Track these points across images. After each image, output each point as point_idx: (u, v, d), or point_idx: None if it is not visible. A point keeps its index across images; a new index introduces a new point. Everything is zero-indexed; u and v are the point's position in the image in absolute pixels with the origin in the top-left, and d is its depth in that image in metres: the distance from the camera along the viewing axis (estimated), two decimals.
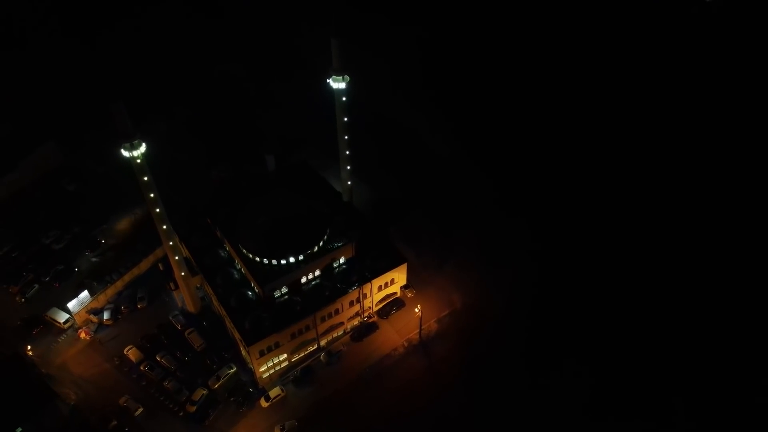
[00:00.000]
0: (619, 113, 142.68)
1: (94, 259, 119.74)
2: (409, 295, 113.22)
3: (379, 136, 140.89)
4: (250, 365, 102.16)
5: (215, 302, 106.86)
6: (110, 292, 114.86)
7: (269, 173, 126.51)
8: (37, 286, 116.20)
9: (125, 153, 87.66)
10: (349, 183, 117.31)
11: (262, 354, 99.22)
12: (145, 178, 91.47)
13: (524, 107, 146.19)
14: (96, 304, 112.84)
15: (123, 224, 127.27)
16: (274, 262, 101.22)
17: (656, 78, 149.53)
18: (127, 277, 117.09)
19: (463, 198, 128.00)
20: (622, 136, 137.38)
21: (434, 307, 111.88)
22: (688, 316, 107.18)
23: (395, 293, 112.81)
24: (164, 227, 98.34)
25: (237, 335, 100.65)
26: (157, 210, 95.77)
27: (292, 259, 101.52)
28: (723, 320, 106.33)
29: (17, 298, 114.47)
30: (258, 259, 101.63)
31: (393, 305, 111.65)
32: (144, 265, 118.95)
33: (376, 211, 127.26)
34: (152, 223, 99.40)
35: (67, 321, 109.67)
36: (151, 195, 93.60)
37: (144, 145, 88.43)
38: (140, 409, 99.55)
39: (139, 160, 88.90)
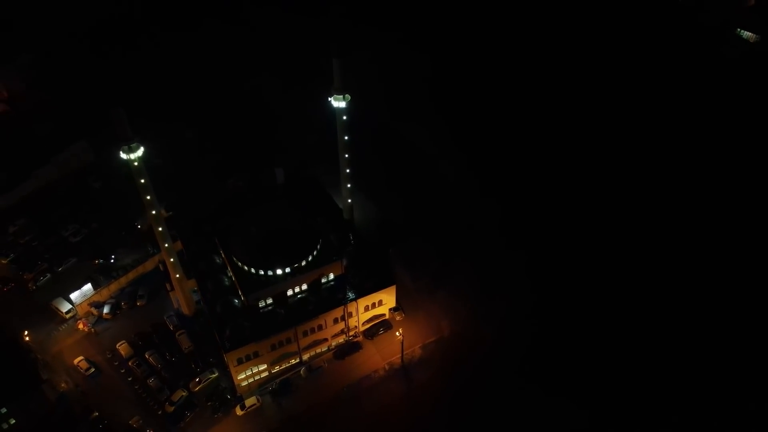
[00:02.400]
0: (638, 149, 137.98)
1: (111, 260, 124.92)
2: (398, 318, 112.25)
3: (391, 157, 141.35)
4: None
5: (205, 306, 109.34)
6: (114, 287, 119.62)
7: (278, 186, 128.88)
8: (49, 275, 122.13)
9: (123, 155, 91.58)
10: (349, 201, 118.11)
11: (240, 362, 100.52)
12: (142, 181, 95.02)
13: (537, 136, 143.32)
14: (99, 298, 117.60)
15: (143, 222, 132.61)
16: (261, 272, 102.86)
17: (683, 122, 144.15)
18: (131, 275, 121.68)
19: (465, 227, 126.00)
20: (641, 179, 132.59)
21: (421, 332, 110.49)
22: (686, 359, 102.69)
23: (383, 315, 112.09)
24: (160, 229, 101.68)
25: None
26: (153, 212, 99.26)
27: (279, 271, 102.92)
28: (723, 360, 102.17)
29: (29, 285, 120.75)
30: (246, 268, 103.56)
31: (380, 326, 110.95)
32: (149, 265, 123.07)
33: (380, 231, 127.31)
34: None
35: (69, 311, 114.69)
36: (148, 197, 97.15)
37: (142, 148, 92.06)
38: (92, 369, 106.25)
39: (136, 163, 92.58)
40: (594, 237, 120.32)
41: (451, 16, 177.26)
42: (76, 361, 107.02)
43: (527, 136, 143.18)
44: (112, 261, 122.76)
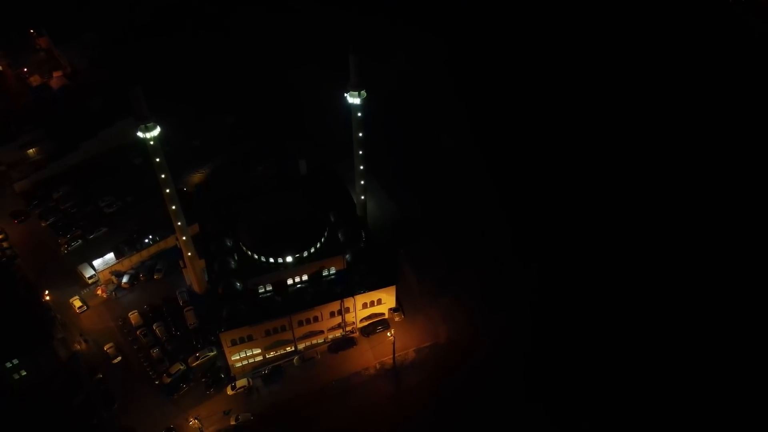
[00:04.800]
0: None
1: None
2: (396, 318, 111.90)
3: (418, 158, 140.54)
4: None
5: None
6: (135, 259, 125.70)
7: (299, 177, 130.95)
8: (80, 241, 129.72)
9: (140, 134, 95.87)
10: (362, 198, 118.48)
11: (234, 343, 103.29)
12: (158, 160, 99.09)
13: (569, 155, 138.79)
14: (120, 267, 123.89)
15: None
16: (263, 258, 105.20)
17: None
18: (153, 249, 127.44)
19: (479, 237, 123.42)
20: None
21: (417, 335, 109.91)
22: (688, 385, 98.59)
23: (383, 314, 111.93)
24: (173, 207, 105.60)
25: None
26: (168, 190, 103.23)
27: (280, 260, 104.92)
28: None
29: (62, 249, 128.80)
30: (250, 252, 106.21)
31: (378, 325, 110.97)
32: (171, 240, 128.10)
33: (394, 230, 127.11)
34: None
35: (91, 277, 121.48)
36: (163, 176, 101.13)
37: (158, 128, 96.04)
38: (84, 308, 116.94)
39: (152, 142, 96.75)
40: (606, 268, 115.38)
41: (489, 18, 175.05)
42: (71, 300, 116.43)
43: (558, 152, 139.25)
44: (147, 240, 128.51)
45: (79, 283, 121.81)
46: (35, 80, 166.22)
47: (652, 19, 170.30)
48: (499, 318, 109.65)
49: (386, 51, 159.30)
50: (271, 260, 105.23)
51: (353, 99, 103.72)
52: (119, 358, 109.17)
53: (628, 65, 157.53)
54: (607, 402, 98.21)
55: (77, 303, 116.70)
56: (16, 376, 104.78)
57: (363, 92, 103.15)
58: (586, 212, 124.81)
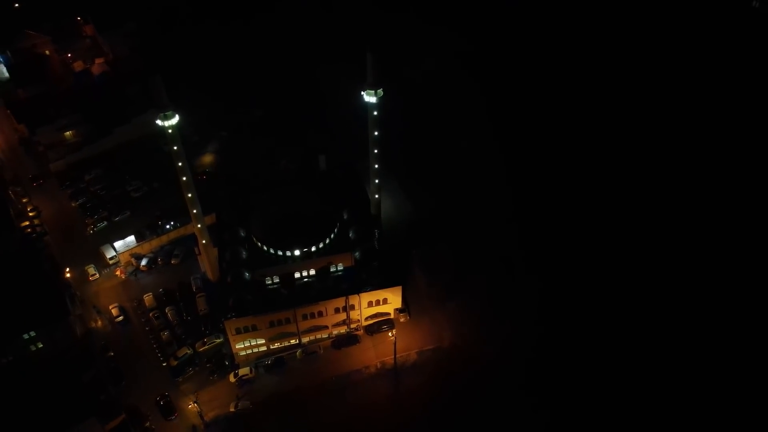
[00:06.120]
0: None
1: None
2: (402, 319, 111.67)
3: (441, 161, 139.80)
4: None
5: None
6: (155, 243, 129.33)
7: (318, 172, 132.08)
8: (106, 223, 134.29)
9: (159, 122, 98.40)
10: (376, 196, 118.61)
11: (238, 332, 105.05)
12: (175, 148, 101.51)
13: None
14: (140, 250, 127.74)
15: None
16: (272, 250, 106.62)
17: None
18: (173, 234, 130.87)
19: (492, 244, 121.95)
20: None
21: (421, 337, 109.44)
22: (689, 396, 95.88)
23: (388, 314, 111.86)
24: (189, 195, 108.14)
25: None
26: (184, 178, 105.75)
27: (288, 253, 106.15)
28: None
29: (88, 229, 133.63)
30: (260, 244, 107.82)
31: (383, 324, 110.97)
32: (190, 227, 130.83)
33: (409, 230, 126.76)
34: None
35: (112, 258, 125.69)
36: (180, 164, 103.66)
37: (177, 116, 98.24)
38: (96, 275, 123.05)
39: (170, 131, 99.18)
40: (614, 282, 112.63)
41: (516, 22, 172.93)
42: (85, 267, 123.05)
43: (578, 165, 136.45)
44: (168, 226, 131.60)
45: (100, 263, 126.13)
46: (78, 66, 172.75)
47: (670, 20, 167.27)
48: (504, 327, 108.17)
49: (415, 51, 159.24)
50: (280, 252, 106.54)
51: (369, 97, 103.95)
52: (121, 317, 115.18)
53: (656, 70, 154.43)
54: (610, 415, 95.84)
55: (90, 271, 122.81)
56: (33, 348, 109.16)
57: (380, 91, 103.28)
58: (602, 225, 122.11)
